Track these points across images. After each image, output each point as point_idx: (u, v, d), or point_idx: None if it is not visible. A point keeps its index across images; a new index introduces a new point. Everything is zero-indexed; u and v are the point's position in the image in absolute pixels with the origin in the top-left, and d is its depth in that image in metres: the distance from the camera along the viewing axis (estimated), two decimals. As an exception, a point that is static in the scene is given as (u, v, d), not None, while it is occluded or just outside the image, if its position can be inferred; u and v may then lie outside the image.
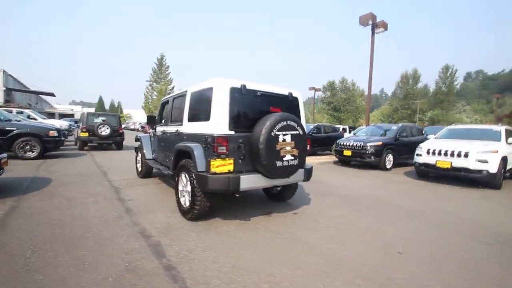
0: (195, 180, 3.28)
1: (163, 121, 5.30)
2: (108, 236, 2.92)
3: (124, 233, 3.02)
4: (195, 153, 3.30)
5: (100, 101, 78.19)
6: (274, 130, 3.25)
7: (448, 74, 43.26)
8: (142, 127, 34.34)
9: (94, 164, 7.92)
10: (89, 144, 11.92)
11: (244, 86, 3.40)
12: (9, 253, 2.48)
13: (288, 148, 3.41)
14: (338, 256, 2.67)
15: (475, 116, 42.83)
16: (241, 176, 3.19)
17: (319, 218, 3.82)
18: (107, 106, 78.21)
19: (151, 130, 5.80)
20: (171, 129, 4.52)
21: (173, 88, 37.50)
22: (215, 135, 3.17)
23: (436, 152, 6.90)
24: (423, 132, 11.26)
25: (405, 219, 3.94)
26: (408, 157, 9.36)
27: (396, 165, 9.19)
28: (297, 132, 3.50)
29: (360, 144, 9.01)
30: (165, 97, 5.24)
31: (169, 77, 39.64)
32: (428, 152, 7.08)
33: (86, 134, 11.30)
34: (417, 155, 7.46)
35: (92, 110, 54.64)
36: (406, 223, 3.75)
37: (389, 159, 9.00)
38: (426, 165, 7.11)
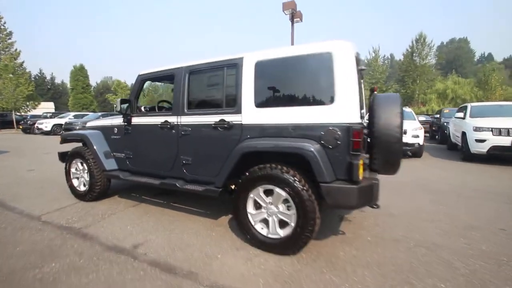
0: (327, 196, 2.12)
1: (155, 109, 3.40)
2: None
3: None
4: (317, 156, 2.11)
5: None
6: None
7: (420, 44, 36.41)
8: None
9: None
10: None
11: (358, 54, 2.42)
12: None
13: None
14: None
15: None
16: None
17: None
18: None
19: (115, 123, 3.62)
20: (195, 120, 2.86)
21: (22, 63, 26.77)
22: (350, 125, 2.11)
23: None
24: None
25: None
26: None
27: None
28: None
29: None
30: (157, 70, 3.29)
31: (15, 48, 28.01)
32: (499, 132, 6.42)
33: None
34: (479, 140, 6.70)
35: None
36: None
37: None
38: (500, 148, 6.38)
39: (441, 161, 7.44)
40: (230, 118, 2.62)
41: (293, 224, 2.26)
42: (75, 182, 4.00)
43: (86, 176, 3.84)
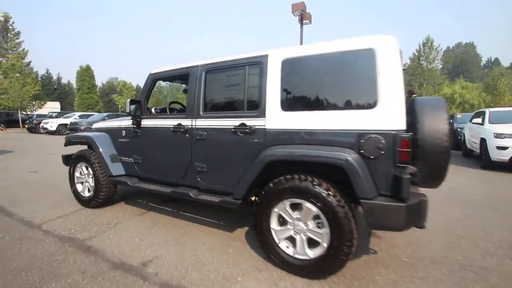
0: (369, 215, 1.83)
1: (167, 111, 3.15)
2: None
3: None
4: (357, 167, 1.83)
5: None
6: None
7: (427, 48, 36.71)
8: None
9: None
10: None
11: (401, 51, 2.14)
12: None
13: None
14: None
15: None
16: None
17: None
18: None
19: (123, 125, 3.37)
20: (212, 124, 2.59)
21: (30, 63, 26.89)
22: (396, 133, 1.83)
23: None
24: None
25: None
26: None
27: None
28: None
29: None
30: (171, 69, 3.04)
31: (22, 48, 28.12)
32: None
33: None
34: (501, 147, 6.43)
35: None
36: None
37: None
38: None
39: (460, 169, 7.08)
40: (252, 122, 2.35)
41: (325, 245, 1.98)
42: (79, 187, 3.75)
43: (91, 181, 3.59)
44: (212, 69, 2.65)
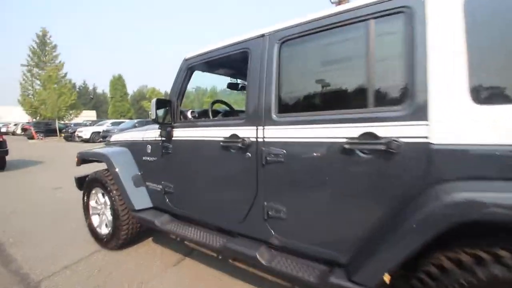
0: None
1: (208, 114, 2.09)
2: None
3: None
4: None
5: None
6: None
7: None
8: (24, 130, 24.62)
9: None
10: None
11: None
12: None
13: None
14: None
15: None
16: None
17: None
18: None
19: (148, 137, 2.36)
20: (297, 135, 1.43)
21: (65, 74, 28.10)
22: None
23: None
24: None
25: None
26: None
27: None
28: None
29: None
30: (214, 48, 1.93)
31: (59, 60, 29.55)
32: None
33: None
34: None
35: None
36: None
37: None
38: None
39: None
40: (391, 130, 1.16)
41: None
42: (95, 221, 2.82)
43: (108, 214, 2.63)
44: (294, 37, 1.50)
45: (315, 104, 1.55)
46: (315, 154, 1.37)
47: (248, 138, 1.62)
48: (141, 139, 2.45)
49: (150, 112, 2.09)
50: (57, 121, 23.67)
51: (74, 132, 19.38)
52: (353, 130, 1.25)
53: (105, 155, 2.51)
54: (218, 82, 3.02)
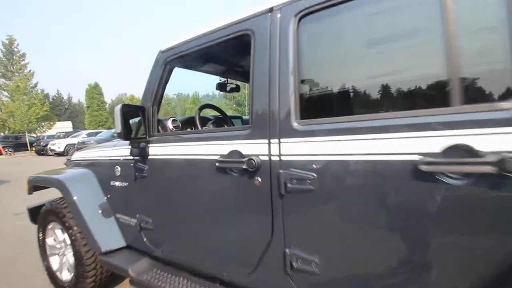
0: None
1: (197, 124, 1.58)
2: None
3: None
4: None
5: None
6: None
7: None
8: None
9: None
10: None
11: None
12: None
13: None
14: None
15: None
16: None
17: None
18: None
19: (115, 155, 1.80)
20: (337, 149, 0.95)
21: (36, 84, 26.26)
22: None
23: None
24: None
25: None
26: None
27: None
28: None
29: None
30: (203, 32, 1.42)
31: (28, 69, 27.56)
32: None
33: None
34: None
35: None
36: None
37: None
38: None
39: None
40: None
41: None
42: (54, 263, 2.21)
43: (70, 256, 2.03)
44: (320, 7, 1.01)
45: (364, 103, 1.06)
46: (367, 177, 0.90)
47: (257, 156, 1.12)
48: (107, 158, 1.88)
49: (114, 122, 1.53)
50: (27, 134, 22.04)
51: (47, 145, 18.03)
52: (433, 142, 0.78)
53: (59, 180, 1.91)
54: (200, 86, 2.50)
